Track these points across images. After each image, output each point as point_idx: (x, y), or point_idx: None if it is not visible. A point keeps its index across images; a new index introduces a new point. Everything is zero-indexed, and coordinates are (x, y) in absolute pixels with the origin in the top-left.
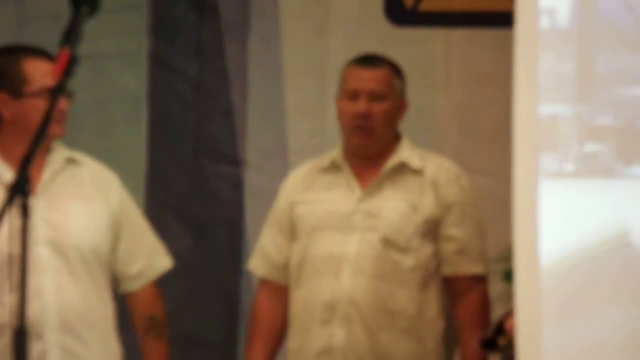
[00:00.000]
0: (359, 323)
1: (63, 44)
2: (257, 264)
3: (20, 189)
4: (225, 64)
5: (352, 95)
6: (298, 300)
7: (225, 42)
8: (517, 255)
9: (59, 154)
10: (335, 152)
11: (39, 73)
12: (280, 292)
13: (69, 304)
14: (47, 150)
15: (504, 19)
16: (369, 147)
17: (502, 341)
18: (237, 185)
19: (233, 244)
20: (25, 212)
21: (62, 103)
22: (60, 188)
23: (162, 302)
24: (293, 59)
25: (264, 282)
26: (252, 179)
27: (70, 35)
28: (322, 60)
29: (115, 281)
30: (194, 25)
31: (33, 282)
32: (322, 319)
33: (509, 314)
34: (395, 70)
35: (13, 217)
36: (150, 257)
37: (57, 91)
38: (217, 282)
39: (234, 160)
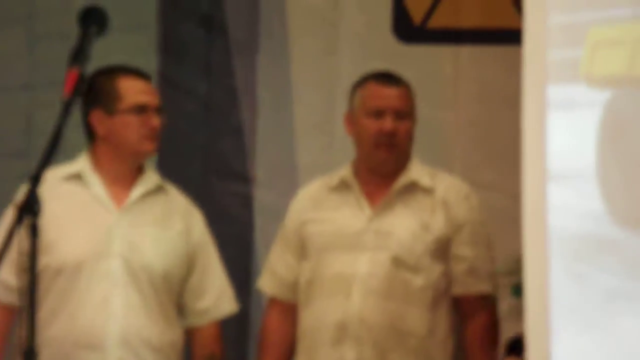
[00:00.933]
0: (369, 343)
1: (72, 63)
2: (267, 283)
3: (30, 209)
4: (234, 82)
5: (377, 113)
6: (307, 319)
7: (234, 60)
8: (527, 267)
9: (151, 177)
10: (344, 171)
11: (133, 90)
12: (289, 310)
13: (133, 321)
14: (141, 171)
15: (512, 36)
16: (394, 162)
17: None
18: (247, 203)
19: (243, 261)
20: (34, 232)
21: (155, 120)
22: (145, 210)
23: (222, 343)
24: (302, 76)
25: (273, 301)
26: (261, 196)
27: (79, 55)
28: (330, 77)
29: (181, 314)
30: (203, 44)
31: (102, 292)
32: (333, 339)
33: (509, 355)
34: (410, 87)
35: (87, 230)
36: (219, 297)
37: (68, 107)
38: None
39: (244, 178)
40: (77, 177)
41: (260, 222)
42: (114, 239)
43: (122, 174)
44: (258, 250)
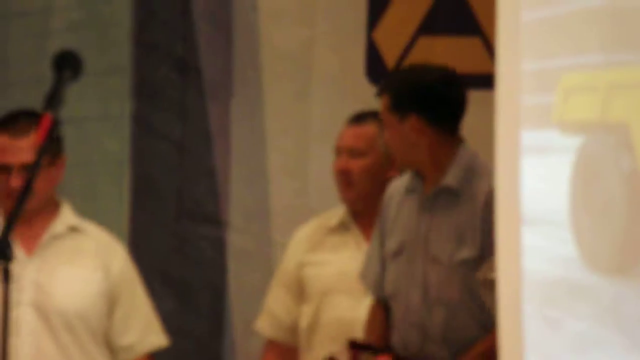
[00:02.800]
0: None
1: (45, 108)
2: (265, 325)
3: (2, 254)
4: (208, 125)
5: (336, 152)
6: None
7: (208, 104)
8: (501, 311)
9: (62, 220)
10: (341, 211)
11: None
12: (287, 353)
13: None
14: (55, 214)
15: (485, 81)
16: (353, 202)
17: None
18: (220, 247)
19: (216, 306)
20: (6, 277)
21: (14, 180)
22: (56, 253)
23: None
24: (275, 120)
25: (271, 343)
26: (234, 240)
27: (53, 100)
28: (304, 121)
29: (110, 351)
30: (177, 87)
31: (11, 343)
32: None
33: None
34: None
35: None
36: (143, 332)
37: (41, 152)
38: (200, 345)
39: (217, 222)
40: None
41: (234, 266)
42: (24, 287)
43: (27, 221)
44: (231, 295)
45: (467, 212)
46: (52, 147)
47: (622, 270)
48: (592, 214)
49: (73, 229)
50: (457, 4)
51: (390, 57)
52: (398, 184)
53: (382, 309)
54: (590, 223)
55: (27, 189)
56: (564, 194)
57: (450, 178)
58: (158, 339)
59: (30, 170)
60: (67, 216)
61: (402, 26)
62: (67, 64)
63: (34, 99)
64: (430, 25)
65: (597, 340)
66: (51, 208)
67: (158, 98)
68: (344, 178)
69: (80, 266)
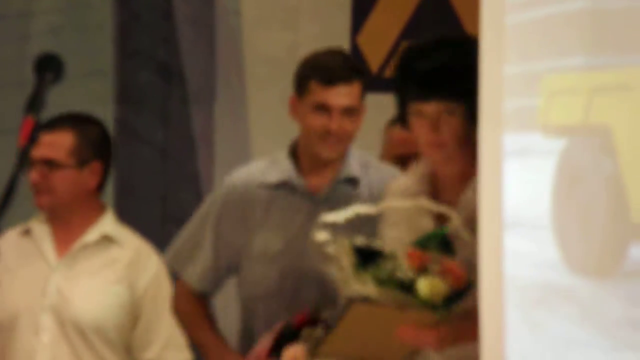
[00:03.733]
0: None
1: (27, 111)
2: None
3: None
4: (191, 130)
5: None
6: None
7: (191, 109)
8: (483, 316)
9: (99, 228)
10: None
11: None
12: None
13: None
14: (93, 221)
15: None
16: None
17: None
18: None
19: None
20: None
21: (33, 175)
22: (83, 261)
23: None
24: (259, 124)
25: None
26: None
27: (34, 103)
28: (288, 126)
29: None
30: (160, 92)
31: (28, 345)
32: None
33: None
34: None
35: (25, 283)
36: (164, 348)
37: (23, 156)
38: None
39: None
40: (28, 232)
41: None
42: (48, 292)
43: (66, 223)
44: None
45: (364, 201)
46: (82, 151)
47: (604, 272)
48: (574, 217)
49: (107, 239)
50: (441, 8)
51: (374, 62)
52: (243, 177)
53: (203, 303)
54: (572, 226)
55: (11, 187)
56: (547, 197)
57: (352, 168)
58: (180, 355)
59: (15, 168)
60: (104, 225)
61: (385, 31)
62: (48, 67)
63: (16, 102)
64: (414, 30)
65: (580, 342)
66: (92, 214)
67: (140, 102)
68: None
69: (104, 277)
